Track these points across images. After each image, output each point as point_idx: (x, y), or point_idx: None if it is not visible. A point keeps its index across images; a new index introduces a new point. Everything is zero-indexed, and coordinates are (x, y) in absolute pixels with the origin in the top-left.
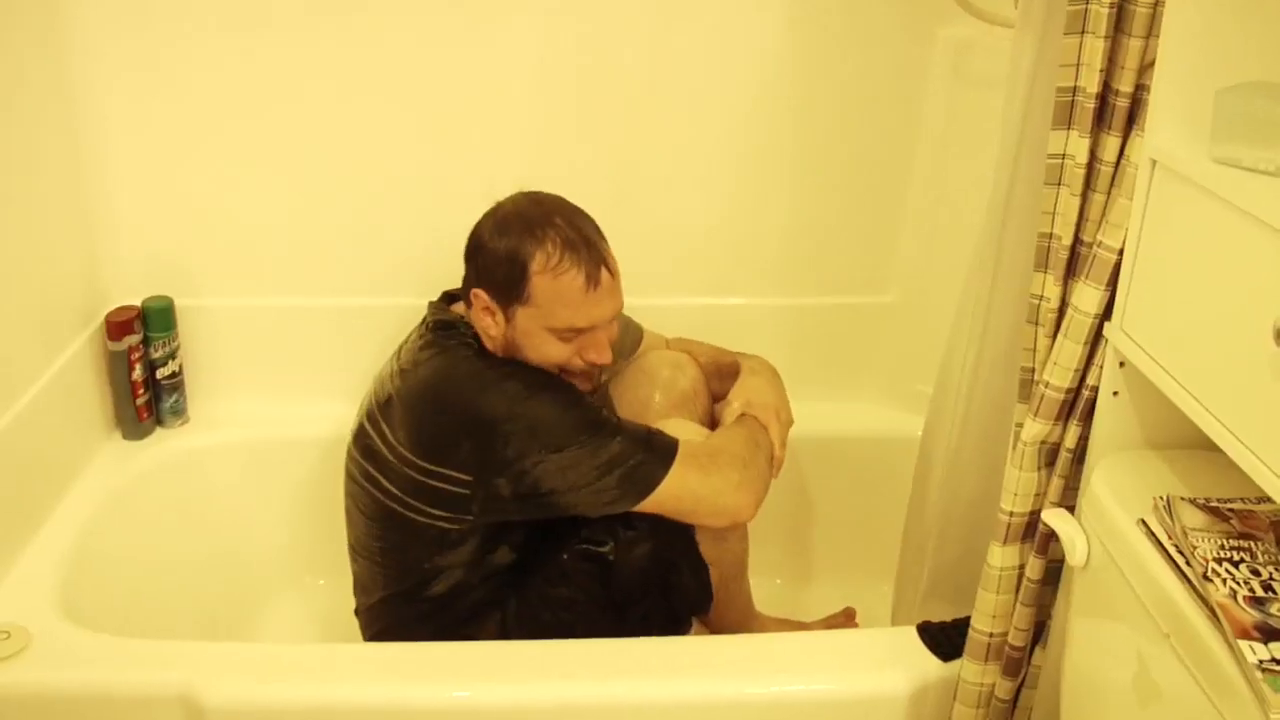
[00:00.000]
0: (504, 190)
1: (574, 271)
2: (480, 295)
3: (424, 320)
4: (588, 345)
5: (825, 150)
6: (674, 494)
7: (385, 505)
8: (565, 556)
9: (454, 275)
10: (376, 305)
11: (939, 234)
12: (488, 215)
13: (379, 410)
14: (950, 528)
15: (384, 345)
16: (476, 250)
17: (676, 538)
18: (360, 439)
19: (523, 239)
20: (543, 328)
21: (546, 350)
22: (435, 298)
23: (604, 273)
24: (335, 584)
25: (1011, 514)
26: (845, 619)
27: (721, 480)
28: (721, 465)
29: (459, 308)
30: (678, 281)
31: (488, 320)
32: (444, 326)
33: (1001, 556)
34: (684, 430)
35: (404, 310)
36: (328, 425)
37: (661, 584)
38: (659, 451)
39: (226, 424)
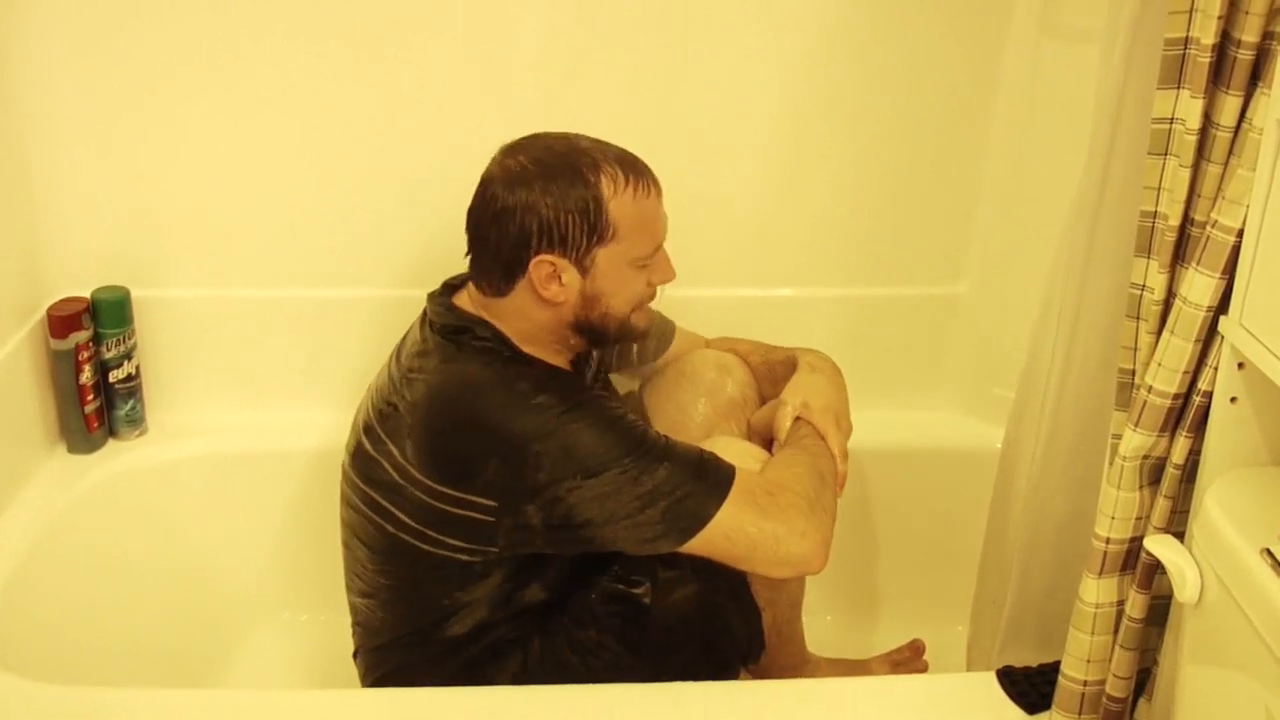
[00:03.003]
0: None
1: (642, 183)
2: (545, 262)
3: (425, 319)
4: (654, 267)
5: (887, 117)
6: (725, 534)
7: (395, 537)
8: (594, 595)
9: (453, 261)
10: (366, 297)
11: (1021, 213)
12: (494, 184)
13: (382, 426)
14: (1036, 556)
15: (376, 343)
16: (503, 219)
17: (724, 579)
18: (361, 460)
19: (574, 175)
20: (625, 263)
21: (631, 289)
22: (434, 288)
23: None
24: (321, 621)
25: (1108, 541)
26: (912, 654)
27: (784, 525)
28: (784, 505)
29: (465, 300)
30: (715, 271)
31: (553, 288)
32: (455, 331)
33: (1097, 591)
34: (737, 452)
35: (399, 303)
36: (311, 436)
37: (705, 633)
38: (711, 481)
39: (191, 435)
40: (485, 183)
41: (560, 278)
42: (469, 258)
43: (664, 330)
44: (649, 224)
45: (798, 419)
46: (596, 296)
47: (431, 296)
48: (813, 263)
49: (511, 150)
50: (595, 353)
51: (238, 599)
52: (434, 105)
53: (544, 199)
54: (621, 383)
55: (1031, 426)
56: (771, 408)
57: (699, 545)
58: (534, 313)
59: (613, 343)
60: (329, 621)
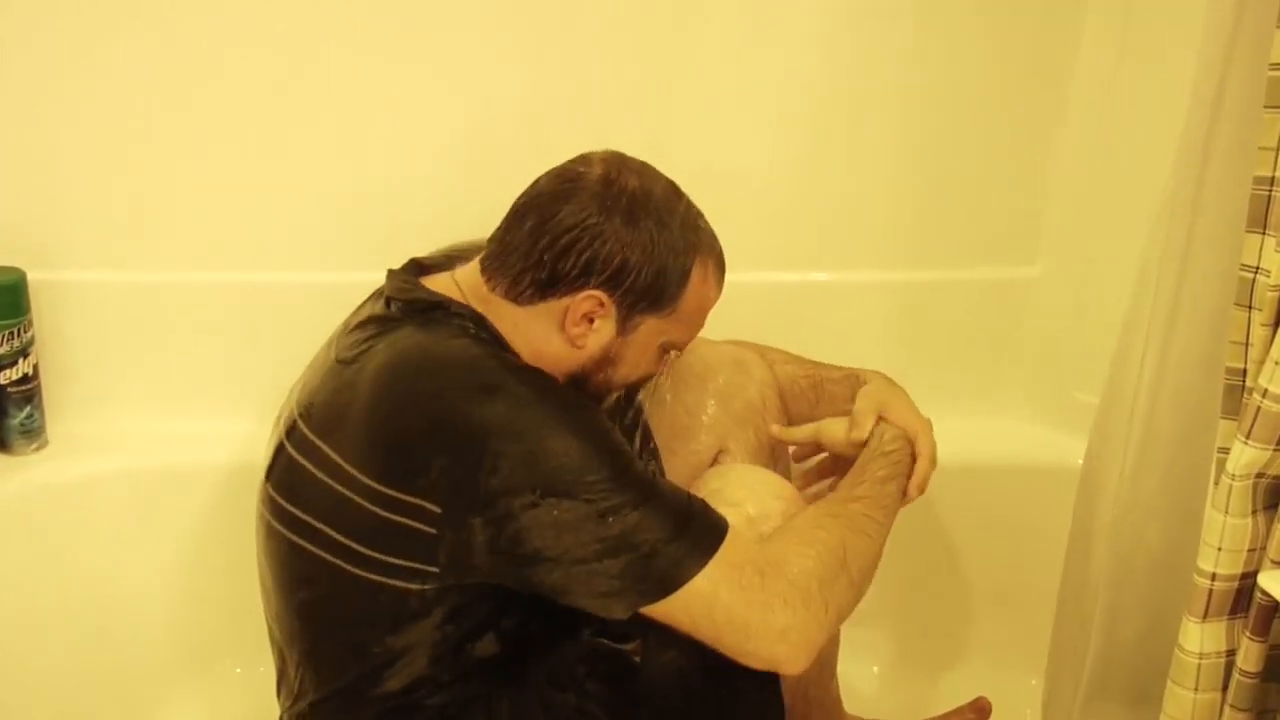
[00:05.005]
0: (506, 138)
1: (716, 284)
2: (595, 299)
3: (382, 295)
4: (663, 360)
5: (943, 67)
6: (687, 609)
7: (321, 561)
8: (573, 651)
9: (417, 246)
10: (311, 284)
11: (1107, 180)
12: (586, 194)
13: (311, 425)
14: (1125, 596)
15: (316, 340)
16: (584, 236)
17: None
18: (283, 472)
19: (683, 239)
20: (660, 342)
21: (643, 367)
22: (396, 266)
23: None
24: (257, 675)
25: (1214, 577)
26: (976, 715)
27: (761, 617)
28: (772, 592)
29: (442, 285)
30: (741, 251)
31: (581, 328)
32: (425, 307)
33: (1201, 638)
34: (753, 485)
35: (351, 290)
36: (246, 450)
37: (709, 699)
38: (692, 540)
39: (101, 449)
40: (582, 181)
41: (594, 321)
42: (502, 240)
43: None
44: (701, 319)
45: (880, 419)
46: (615, 359)
47: (393, 274)
48: (852, 241)
49: (630, 170)
50: None
51: (155, 648)
52: (383, 65)
53: (644, 242)
54: None
55: (1119, 438)
56: (835, 420)
57: (657, 611)
58: (545, 340)
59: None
60: (266, 675)
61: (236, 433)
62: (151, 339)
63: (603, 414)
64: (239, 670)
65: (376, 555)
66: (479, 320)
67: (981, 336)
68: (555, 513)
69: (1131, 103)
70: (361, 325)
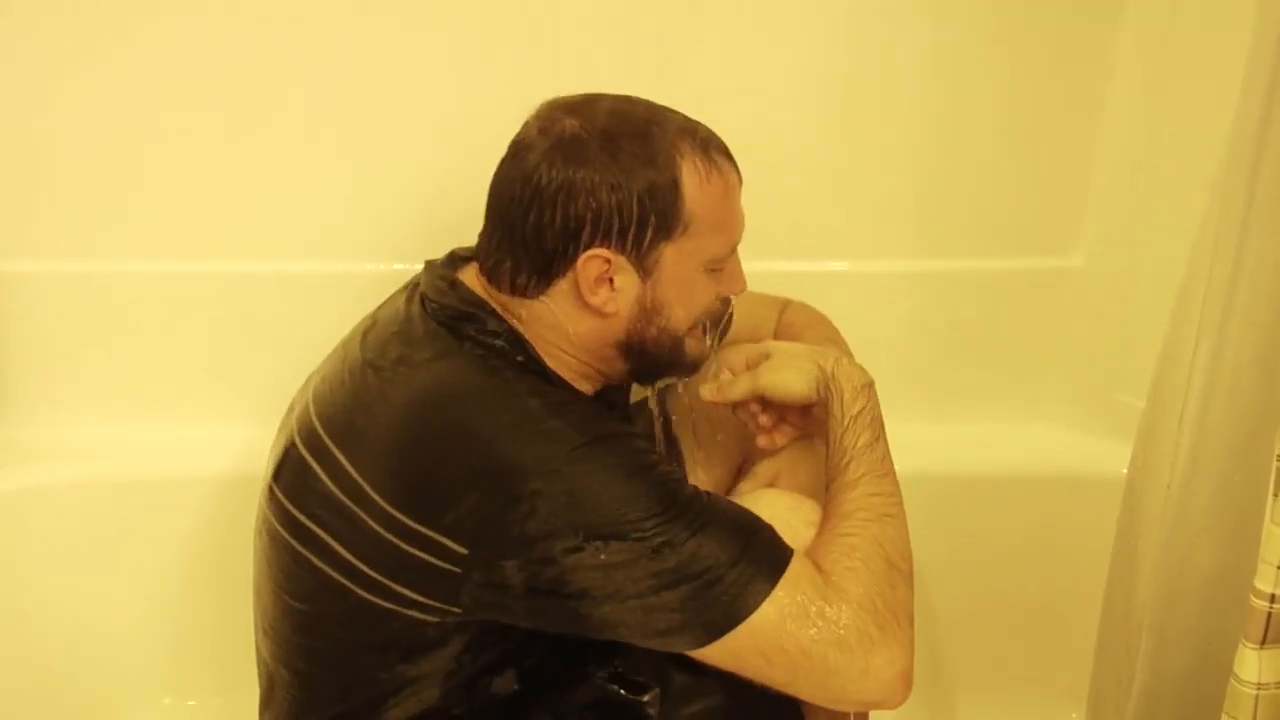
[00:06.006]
0: (506, 123)
1: (726, 168)
2: (598, 258)
3: (415, 294)
4: (725, 277)
5: (977, 42)
6: (757, 641)
7: (326, 578)
8: (583, 696)
9: (431, 228)
10: (300, 274)
11: (1153, 163)
12: (536, 152)
13: (329, 428)
14: (1174, 620)
15: (314, 337)
16: (548, 199)
17: (760, 689)
18: (292, 473)
19: (648, 150)
20: (696, 266)
21: (699, 299)
22: (436, 257)
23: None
24: (218, 705)
25: (1273, 599)
26: None
27: (839, 653)
28: (842, 624)
29: (476, 281)
30: (751, 239)
31: (602, 293)
32: (457, 317)
33: (1258, 666)
34: (794, 516)
35: (352, 280)
36: (218, 460)
37: None
38: (758, 560)
39: (57, 457)
40: (522, 149)
41: (613, 280)
42: (486, 243)
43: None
44: (728, 218)
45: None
46: (657, 306)
47: (431, 267)
48: (873, 227)
49: (562, 111)
50: (631, 384)
51: (110, 678)
52: (375, 46)
53: (605, 177)
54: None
55: (1168, 446)
56: (773, 366)
57: (722, 654)
58: (573, 323)
59: (660, 373)
60: (226, 709)
61: (205, 441)
62: (114, 336)
63: (644, 440)
64: (192, 702)
65: (389, 584)
66: (513, 337)
67: (1015, 333)
68: (603, 556)
69: (1181, 75)
70: (399, 333)
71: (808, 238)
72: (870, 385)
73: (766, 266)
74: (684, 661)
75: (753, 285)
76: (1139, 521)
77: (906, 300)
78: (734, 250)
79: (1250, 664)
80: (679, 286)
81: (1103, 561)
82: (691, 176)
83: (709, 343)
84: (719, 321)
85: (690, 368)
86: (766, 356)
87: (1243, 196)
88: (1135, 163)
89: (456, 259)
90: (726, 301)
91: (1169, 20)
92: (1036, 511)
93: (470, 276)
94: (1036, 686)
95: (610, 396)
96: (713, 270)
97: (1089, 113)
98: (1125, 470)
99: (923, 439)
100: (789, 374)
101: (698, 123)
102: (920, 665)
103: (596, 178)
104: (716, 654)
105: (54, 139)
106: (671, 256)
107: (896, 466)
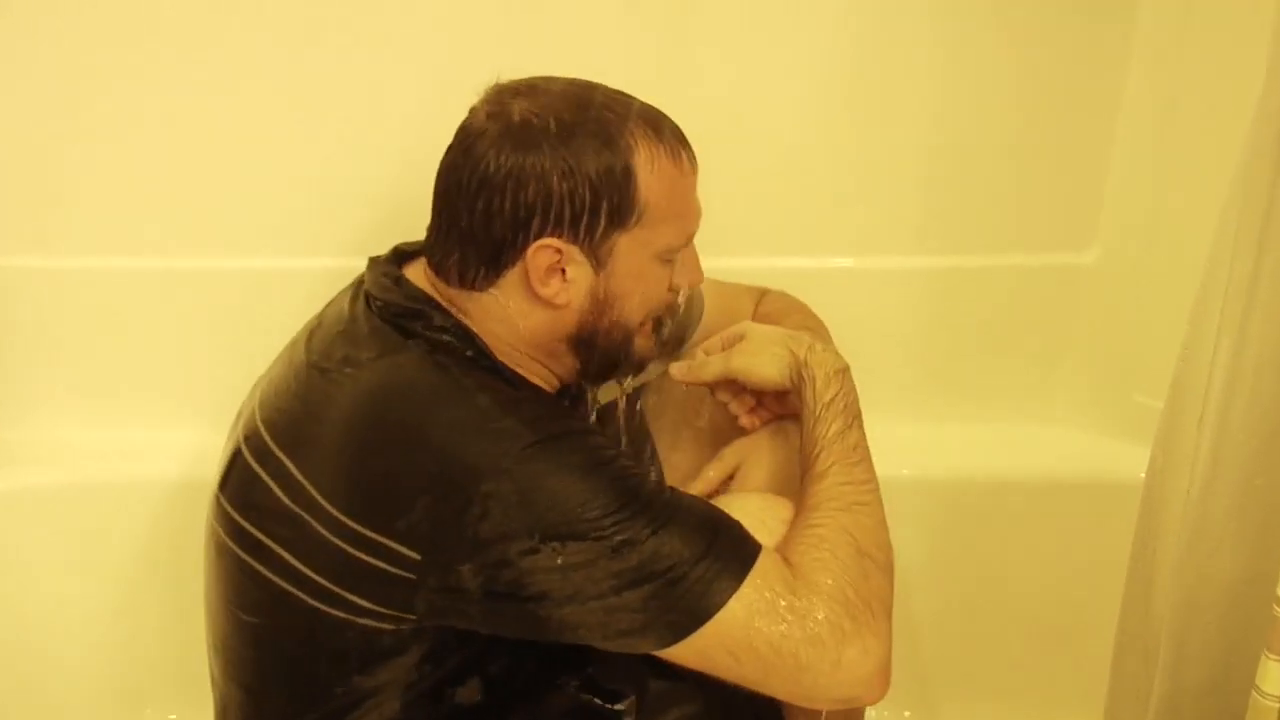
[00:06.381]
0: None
1: (680, 154)
2: (548, 248)
3: (360, 293)
4: (680, 265)
5: (988, 28)
6: (724, 640)
7: (276, 589)
8: (553, 706)
9: (398, 224)
10: (257, 269)
11: (1172, 154)
12: (483, 139)
13: (274, 434)
14: (1194, 630)
15: (280, 334)
16: (495, 187)
17: (741, 695)
18: (239, 483)
19: (599, 135)
20: (650, 256)
21: (653, 291)
22: (379, 253)
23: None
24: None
25: None
26: None
27: (810, 648)
28: (812, 618)
29: (422, 277)
30: (746, 235)
31: (553, 284)
32: (403, 314)
33: None
34: (768, 514)
35: (307, 277)
36: (187, 463)
37: None
38: (724, 561)
39: (20, 460)
40: (469, 136)
41: (565, 270)
42: (433, 235)
43: (690, 305)
44: (684, 206)
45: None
46: (610, 299)
47: (375, 263)
48: (881, 223)
49: (508, 95)
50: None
51: (80, 691)
52: (349, 37)
53: (556, 163)
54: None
55: (1187, 449)
56: (743, 349)
57: (689, 653)
58: (523, 316)
59: (608, 371)
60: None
61: (173, 444)
62: (80, 334)
63: (603, 436)
64: (173, 718)
65: (342, 593)
66: (461, 332)
67: (1027, 331)
68: (560, 557)
69: (1202, 62)
70: (344, 333)
71: (810, 232)
72: (844, 371)
73: (767, 263)
74: (660, 666)
75: (752, 283)
76: (1157, 527)
77: (913, 298)
78: (690, 240)
79: (1273, 676)
80: (632, 278)
81: (1119, 569)
82: (646, 163)
83: (655, 341)
84: (672, 315)
85: (637, 366)
86: (741, 338)
87: (1265, 188)
88: (1153, 152)
89: (401, 255)
90: (676, 293)
91: (1188, 6)
92: (1050, 517)
93: (416, 272)
94: (1051, 698)
95: (573, 393)
96: (666, 261)
97: (1105, 100)
98: (1142, 474)
99: (930, 441)
100: (761, 358)
101: (651, 106)
102: (928, 675)
103: (547, 163)
104: (683, 654)
105: (15, 138)
106: (625, 246)
107: (901, 470)
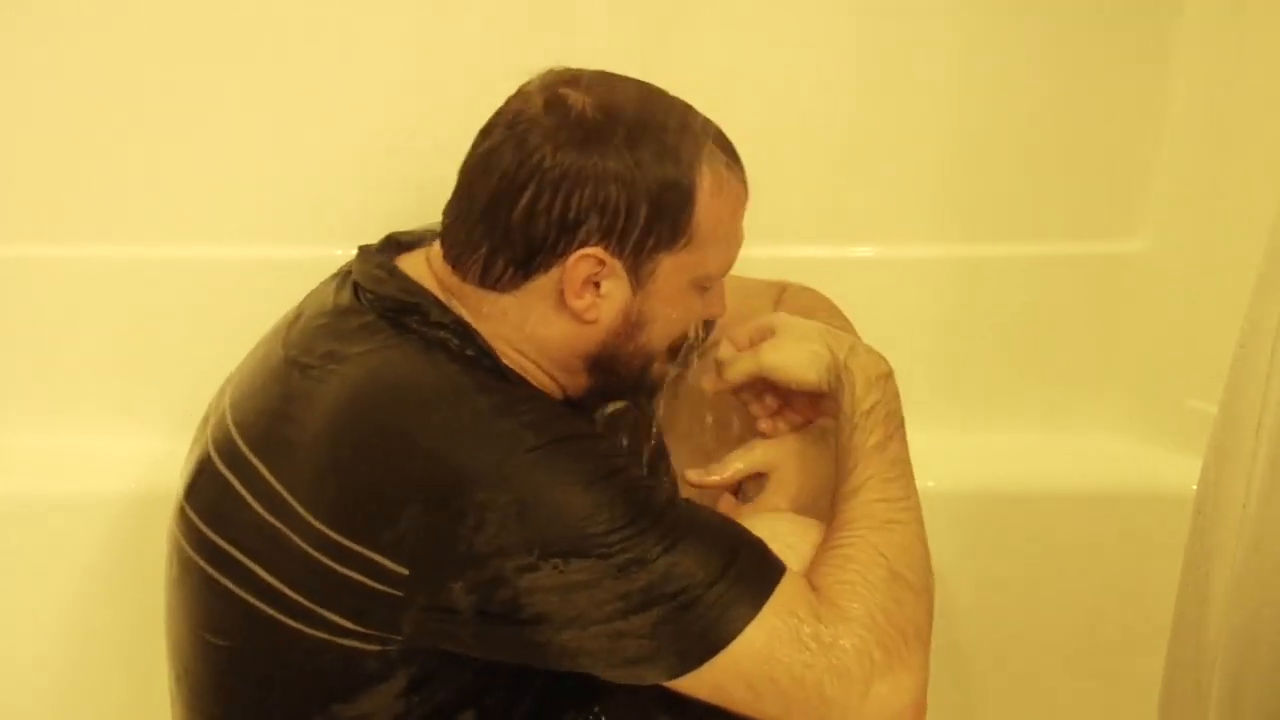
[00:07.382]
0: (476, 91)
1: (739, 180)
2: (591, 258)
3: (349, 281)
4: (712, 297)
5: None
6: (743, 671)
7: (248, 607)
8: None
9: (369, 211)
10: (226, 259)
11: (1226, 133)
12: (536, 131)
13: (249, 438)
14: (1253, 660)
15: (235, 333)
16: (546, 184)
17: None
18: (208, 492)
19: (667, 147)
20: (689, 282)
21: (684, 319)
22: (370, 242)
23: None
24: None
25: None
26: None
27: (835, 681)
28: (840, 647)
29: (418, 268)
30: (769, 222)
31: (587, 298)
32: (397, 308)
33: None
34: (797, 539)
35: (292, 268)
36: (141, 470)
37: None
38: (745, 584)
39: None
40: (519, 122)
41: (600, 285)
42: (455, 223)
43: None
44: (732, 234)
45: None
46: (641, 321)
47: (365, 253)
48: (905, 208)
49: (567, 84)
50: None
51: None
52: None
53: (618, 170)
54: None
55: (1243, 458)
56: (774, 343)
57: (702, 685)
58: (545, 324)
59: (617, 395)
60: None
61: (130, 453)
62: (23, 331)
63: (612, 444)
64: None
65: (321, 611)
66: (462, 329)
67: (1067, 328)
68: (561, 576)
69: (1259, 31)
70: (327, 326)
71: (828, 220)
72: (888, 376)
73: (782, 253)
74: (674, 701)
75: (765, 274)
76: (1211, 545)
77: (940, 290)
78: (729, 270)
79: None
80: (668, 302)
81: (1168, 591)
82: (708, 184)
83: (670, 370)
84: (687, 349)
85: (649, 393)
86: (772, 332)
87: None
88: (1207, 132)
89: (396, 244)
90: (708, 325)
91: None
92: (1092, 533)
93: (411, 264)
94: (1092, 716)
95: (578, 403)
96: (703, 289)
97: (1155, 72)
98: (1194, 486)
99: (959, 450)
100: (799, 357)
101: (715, 124)
102: (961, 702)
103: (609, 168)
104: (696, 686)
105: None
106: (668, 268)
107: (929, 482)
